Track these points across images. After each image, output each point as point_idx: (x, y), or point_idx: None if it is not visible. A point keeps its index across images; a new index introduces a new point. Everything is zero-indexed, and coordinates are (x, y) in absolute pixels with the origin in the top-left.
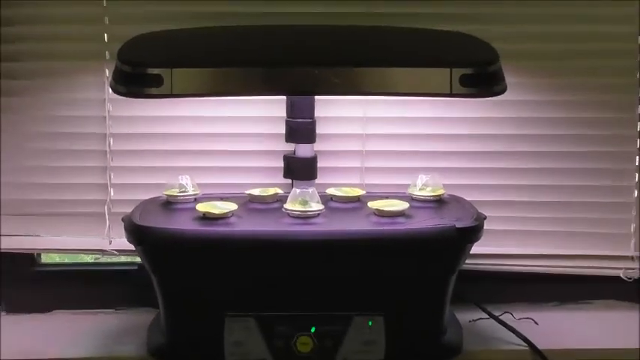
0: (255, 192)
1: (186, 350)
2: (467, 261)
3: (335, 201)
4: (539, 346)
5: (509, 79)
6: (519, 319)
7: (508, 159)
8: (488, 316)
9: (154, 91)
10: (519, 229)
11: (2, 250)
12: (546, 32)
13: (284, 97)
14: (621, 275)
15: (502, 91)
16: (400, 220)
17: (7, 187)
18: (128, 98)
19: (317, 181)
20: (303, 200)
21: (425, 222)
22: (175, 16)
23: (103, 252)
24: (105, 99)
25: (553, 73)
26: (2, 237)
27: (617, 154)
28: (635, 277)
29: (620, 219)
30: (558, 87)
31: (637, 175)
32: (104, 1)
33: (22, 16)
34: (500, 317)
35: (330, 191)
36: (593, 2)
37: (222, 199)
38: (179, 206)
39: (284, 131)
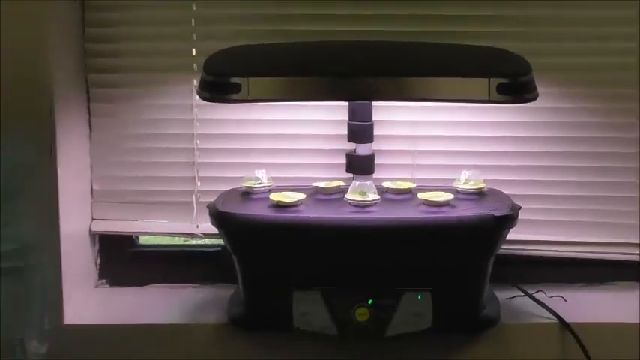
0: (321, 184)
1: (260, 319)
2: (504, 246)
3: (389, 193)
4: (567, 320)
5: (541, 88)
6: (550, 297)
7: (540, 158)
8: (523, 294)
9: (233, 97)
10: (551, 219)
11: (106, 233)
12: (575, 48)
13: (346, 103)
14: None
15: (534, 99)
16: (445, 209)
17: (109, 180)
18: (212, 103)
19: (374, 175)
20: (361, 192)
21: (467, 211)
22: (250, 34)
23: (190, 235)
24: (192, 104)
25: (580, 83)
26: (106, 221)
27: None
28: None
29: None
30: (585, 95)
31: None
32: (192, 21)
33: (123, 33)
34: (533, 295)
35: (385, 184)
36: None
37: (292, 190)
38: (255, 196)
39: (346, 132)
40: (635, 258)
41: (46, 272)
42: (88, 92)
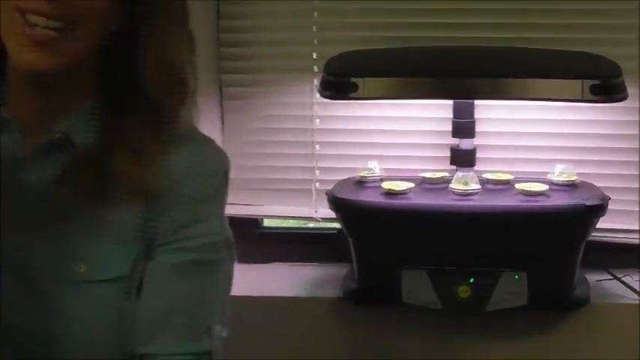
0: (427, 175)
1: (372, 294)
2: (596, 233)
3: (489, 183)
4: None
5: (631, 90)
6: (637, 280)
7: (629, 153)
8: (612, 278)
9: (351, 95)
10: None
11: (235, 216)
12: None
13: (451, 102)
14: None
15: (624, 99)
16: (540, 198)
17: (239, 169)
18: (331, 101)
19: (475, 167)
20: (464, 181)
21: (560, 200)
22: (365, 40)
23: (310, 219)
24: (312, 102)
25: None
26: (235, 206)
27: None
28: None
29: None
30: None
31: None
32: (313, 28)
33: (253, 39)
34: (621, 278)
35: (486, 175)
36: None
37: (401, 179)
38: (368, 184)
39: (450, 129)
40: None
41: (227, 262)
42: (220, 91)
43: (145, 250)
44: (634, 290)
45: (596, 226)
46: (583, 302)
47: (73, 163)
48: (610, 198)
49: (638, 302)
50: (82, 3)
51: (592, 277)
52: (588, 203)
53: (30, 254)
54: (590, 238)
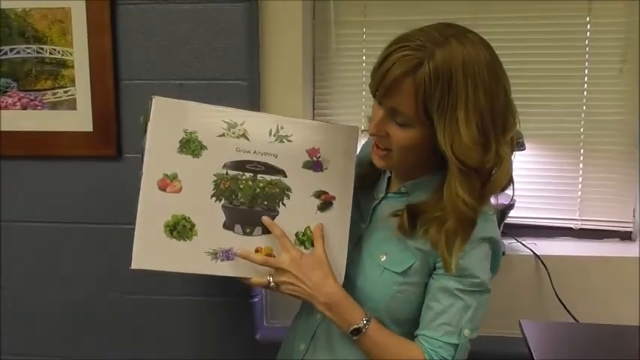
0: None
1: None
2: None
3: None
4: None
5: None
6: (530, 242)
7: None
8: (516, 241)
9: None
10: None
11: None
12: None
13: None
14: None
15: None
16: None
17: None
18: None
19: None
20: None
21: None
22: None
23: None
24: None
25: None
26: None
27: None
28: None
29: None
30: None
31: None
32: None
33: None
34: (522, 241)
35: None
36: None
37: None
38: None
39: None
40: None
41: (480, 295)
42: None
43: (420, 264)
44: (528, 247)
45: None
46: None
47: (404, 212)
48: None
49: (532, 254)
50: (395, 144)
51: (506, 241)
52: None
53: (366, 238)
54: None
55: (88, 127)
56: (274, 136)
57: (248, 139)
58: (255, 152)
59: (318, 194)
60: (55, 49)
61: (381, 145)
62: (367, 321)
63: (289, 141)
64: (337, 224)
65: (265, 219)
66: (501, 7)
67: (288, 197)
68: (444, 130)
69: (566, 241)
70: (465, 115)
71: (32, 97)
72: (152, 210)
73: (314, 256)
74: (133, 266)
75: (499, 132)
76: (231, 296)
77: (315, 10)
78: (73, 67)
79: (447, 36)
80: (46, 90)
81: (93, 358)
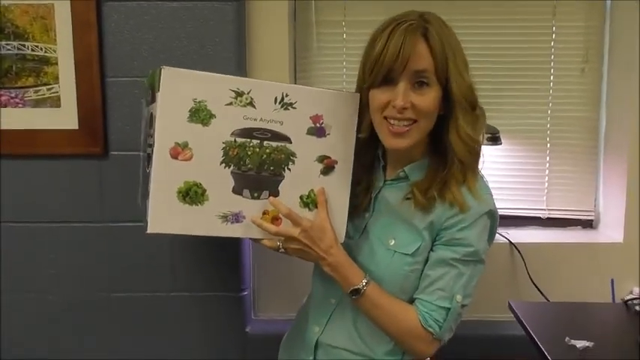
0: None
1: None
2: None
3: None
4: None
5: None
6: (505, 232)
7: None
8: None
9: None
10: None
11: None
12: None
13: None
14: None
15: None
16: None
17: None
18: None
19: None
20: None
21: None
22: None
23: None
24: None
25: None
26: None
27: None
28: None
29: None
30: None
31: None
32: None
33: None
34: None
35: None
36: None
37: None
38: None
39: None
40: None
41: (475, 265)
42: None
43: (427, 243)
44: (503, 236)
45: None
46: None
47: (414, 190)
48: None
49: (507, 241)
50: (422, 110)
51: None
52: None
53: (372, 226)
54: None
55: (73, 124)
56: (279, 103)
57: (255, 107)
58: (261, 120)
59: (321, 159)
60: (37, 46)
61: (405, 118)
62: (366, 283)
63: (294, 108)
64: (339, 187)
65: (272, 199)
66: (473, 9)
67: (293, 162)
68: (455, 77)
69: (536, 229)
70: (462, 63)
71: (13, 95)
72: (165, 177)
73: (319, 224)
74: (149, 230)
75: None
76: (219, 290)
77: (296, 10)
78: (56, 64)
79: (421, 13)
80: (27, 87)
81: (81, 358)
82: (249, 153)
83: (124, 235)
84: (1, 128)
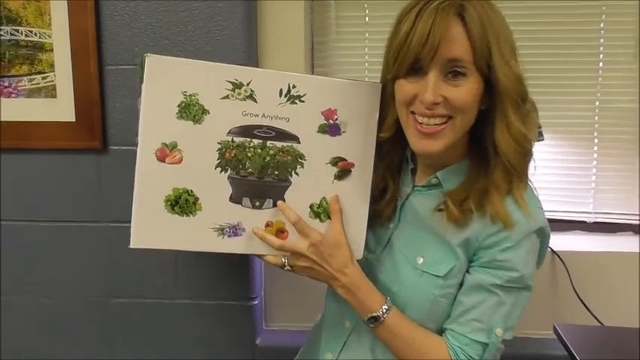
0: None
1: None
2: None
3: None
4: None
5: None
6: None
7: None
8: None
9: None
10: None
11: None
12: None
13: None
14: None
15: None
16: None
17: None
18: None
19: None
20: None
21: None
22: None
23: None
24: None
25: None
26: None
27: None
28: None
29: None
30: None
31: None
32: None
33: None
34: None
35: None
36: None
37: None
38: None
39: None
40: None
41: (519, 293)
42: None
43: (462, 262)
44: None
45: None
46: None
47: (447, 200)
48: None
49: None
50: (457, 105)
51: None
52: None
53: (397, 239)
54: None
55: (70, 116)
56: (285, 96)
57: (256, 101)
58: (264, 116)
59: (335, 161)
60: (31, 31)
61: (437, 115)
62: (387, 309)
63: (302, 102)
64: (356, 194)
65: (280, 204)
66: None
67: (302, 165)
68: (500, 65)
69: (581, 235)
70: (508, 49)
71: (6, 84)
72: (150, 183)
73: (332, 238)
74: (132, 245)
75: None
76: (227, 298)
77: None
78: (51, 50)
79: None
80: (21, 76)
81: None
82: (250, 155)
83: (125, 235)
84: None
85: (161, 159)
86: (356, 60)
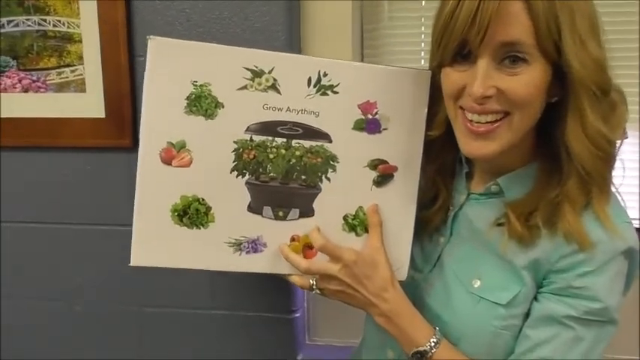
0: None
1: None
2: None
3: None
4: None
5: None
6: None
7: None
8: None
9: None
10: None
11: None
12: None
13: None
14: None
15: None
16: None
17: None
18: None
19: None
20: None
21: None
22: None
23: None
24: None
25: None
26: None
27: None
28: None
29: None
30: None
31: None
32: None
33: None
34: None
35: None
36: None
37: None
38: None
39: None
40: None
41: (600, 327)
42: None
43: (530, 288)
44: None
45: None
46: None
47: (509, 213)
48: None
49: None
50: (515, 98)
51: None
52: None
53: (448, 257)
54: None
55: (100, 112)
56: (315, 86)
57: (279, 92)
58: (288, 110)
59: (375, 164)
60: (59, 21)
61: (489, 111)
62: (435, 343)
63: (335, 93)
64: (400, 203)
65: (282, 248)
66: None
67: (334, 169)
68: (572, 47)
69: None
70: (586, 28)
71: (34, 78)
72: (154, 190)
73: (369, 257)
74: (133, 263)
75: (607, 54)
76: (267, 310)
77: None
78: (80, 41)
79: None
80: (50, 69)
81: None
82: (272, 156)
83: None
84: (22, 117)
85: (167, 161)
86: (411, 49)
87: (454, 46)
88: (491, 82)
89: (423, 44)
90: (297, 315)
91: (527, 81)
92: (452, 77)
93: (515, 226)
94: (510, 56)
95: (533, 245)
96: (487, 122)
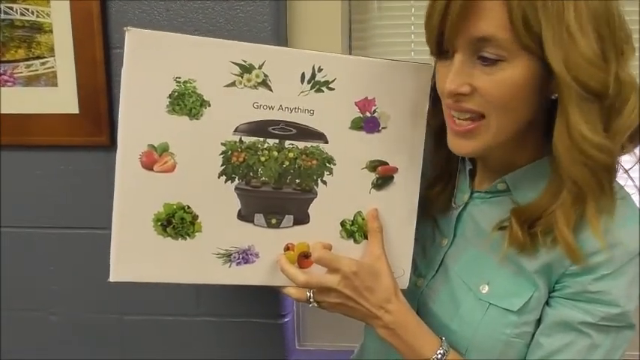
0: None
1: None
2: None
3: None
4: None
5: None
6: None
7: None
8: None
9: None
10: None
11: None
12: None
13: None
14: None
15: None
16: None
17: None
18: None
19: None
20: None
21: None
22: None
23: None
24: None
25: None
26: None
27: None
28: None
29: None
30: None
31: None
32: None
33: None
34: None
35: None
36: None
37: None
38: None
39: None
40: None
41: (618, 333)
42: None
43: (542, 293)
44: None
45: None
46: None
47: (512, 217)
48: None
49: None
50: (490, 97)
51: None
52: None
53: (453, 260)
54: None
55: (73, 108)
56: (309, 82)
57: (271, 89)
58: (281, 108)
59: (374, 166)
60: (27, 9)
61: (465, 109)
62: (442, 354)
63: (331, 89)
64: (401, 207)
65: (282, 261)
66: None
67: (331, 172)
68: (552, 42)
69: None
70: (576, 19)
71: (1, 71)
72: (135, 198)
73: (370, 266)
74: (113, 279)
75: (618, 50)
76: (255, 316)
77: None
78: (51, 31)
79: None
80: (17, 61)
81: None
82: (263, 159)
83: None
84: None
85: (148, 166)
86: (401, 40)
87: (433, 41)
88: (465, 79)
89: (413, 36)
90: (287, 320)
91: (503, 79)
92: (439, 72)
93: (516, 231)
94: (485, 52)
95: (536, 252)
96: (467, 120)
